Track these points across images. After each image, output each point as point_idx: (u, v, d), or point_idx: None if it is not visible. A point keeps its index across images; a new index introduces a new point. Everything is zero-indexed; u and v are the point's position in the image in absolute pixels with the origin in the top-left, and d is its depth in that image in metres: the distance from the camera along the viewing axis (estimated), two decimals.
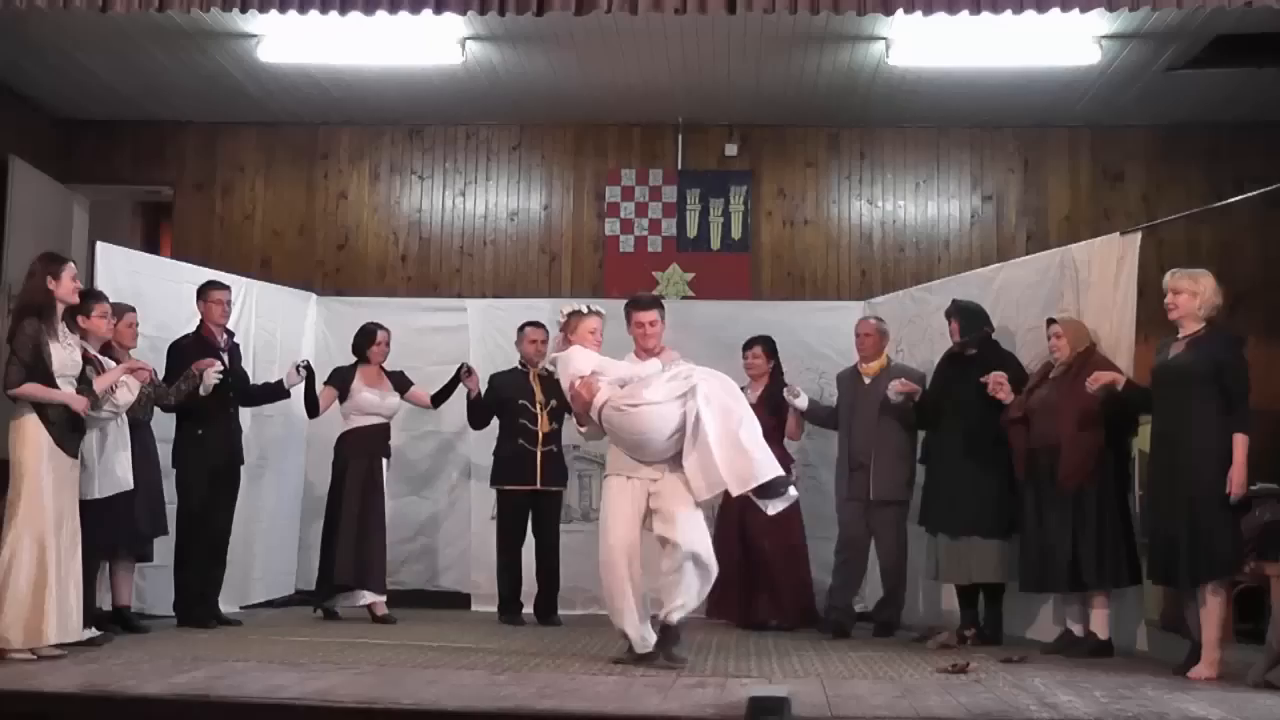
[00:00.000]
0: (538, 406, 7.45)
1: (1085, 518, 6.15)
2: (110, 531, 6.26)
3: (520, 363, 7.63)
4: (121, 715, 4.67)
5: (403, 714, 4.62)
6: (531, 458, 7.40)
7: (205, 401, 6.86)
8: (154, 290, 7.35)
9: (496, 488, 7.58)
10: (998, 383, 6.54)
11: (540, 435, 7.41)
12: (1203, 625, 5.54)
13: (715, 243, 9.46)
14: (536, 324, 7.65)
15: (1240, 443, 5.52)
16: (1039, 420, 6.35)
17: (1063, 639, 6.39)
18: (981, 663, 5.81)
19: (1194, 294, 5.71)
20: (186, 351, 6.98)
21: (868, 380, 7.31)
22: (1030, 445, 6.39)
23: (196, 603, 6.89)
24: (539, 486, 7.42)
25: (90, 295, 6.29)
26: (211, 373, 6.84)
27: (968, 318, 6.87)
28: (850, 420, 7.29)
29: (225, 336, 7.23)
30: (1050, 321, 6.50)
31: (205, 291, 7.17)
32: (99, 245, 7.38)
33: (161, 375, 6.88)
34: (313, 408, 7.57)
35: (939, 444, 6.89)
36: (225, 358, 7.07)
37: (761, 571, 7.29)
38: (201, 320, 7.14)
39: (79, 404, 5.75)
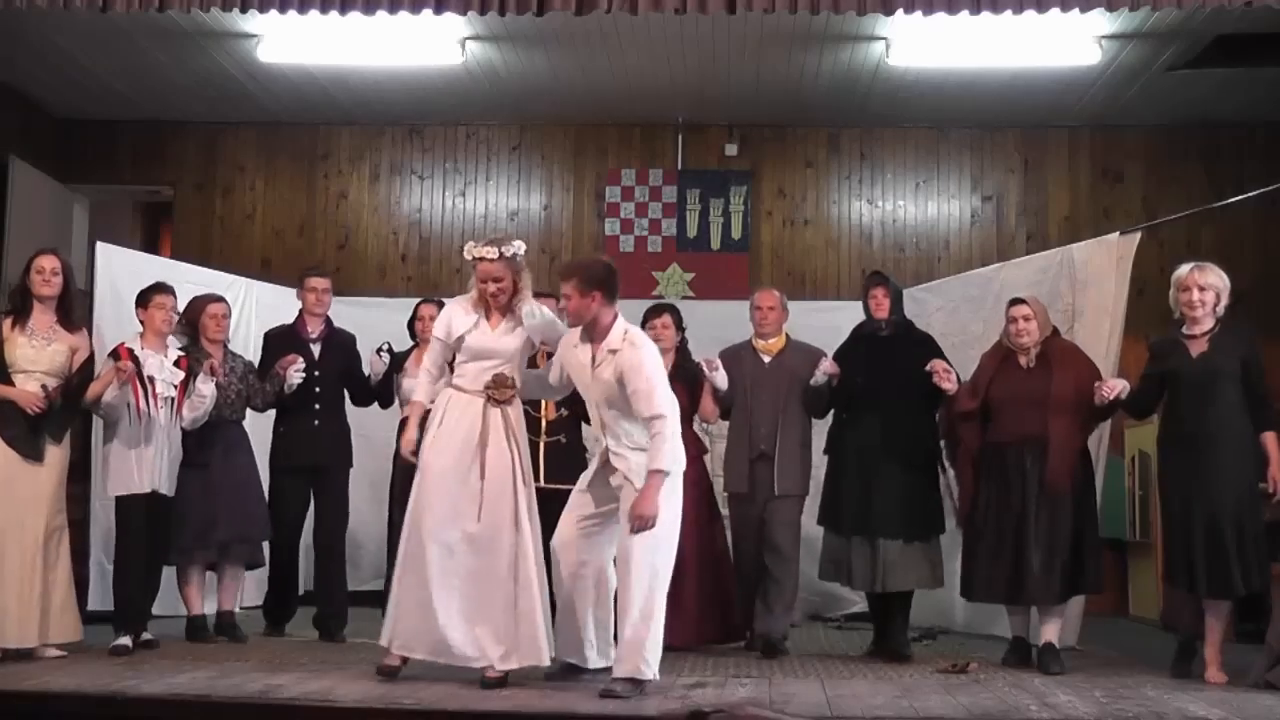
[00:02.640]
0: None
1: (1071, 523, 5.76)
2: (191, 534, 6.23)
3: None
4: (121, 715, 4.67)
5: (403, 714, 4.62)
6: (534, 450, 6.28)
7: (285, 399, 6.60)
8: None
9: None
10: (945, 370, 5.99)
11: (544, 423, 6.51)
12: (1211, 627, 5.49)
13: (715, 243, 9.46)
14: (549, 294, 6.80)
15: (1273, 440, 5.49)
16: (1008, 413, 5.84)
17: (1045, 649, 5.79)
18: (981, 663, 5.82)
19: (1220, 291, 5.60)
20: (275, 344, 6.77)
21: (767, 359, 6.43)
22: (994, 440, 5.88)
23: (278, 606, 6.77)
24: (542, 484, 6.17)
25: (154, 288, 6.18)
26: (293, 371, 6.50)
27: (896, 293, 6.36)
28: (749, 404, 6.39)
29: (322, 326, 6.85)
30: (1017, 301, 6.01)
31: (301, 280, 6.96)
32: (99, 245, 7.37)
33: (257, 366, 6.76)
34: (387, 397, 6.91)
35: (853, 435, 6.20)
36: (316, 349, 6.72)
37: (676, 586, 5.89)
38: (300, 310, 6.92)
39: (26, 400, 5.61)
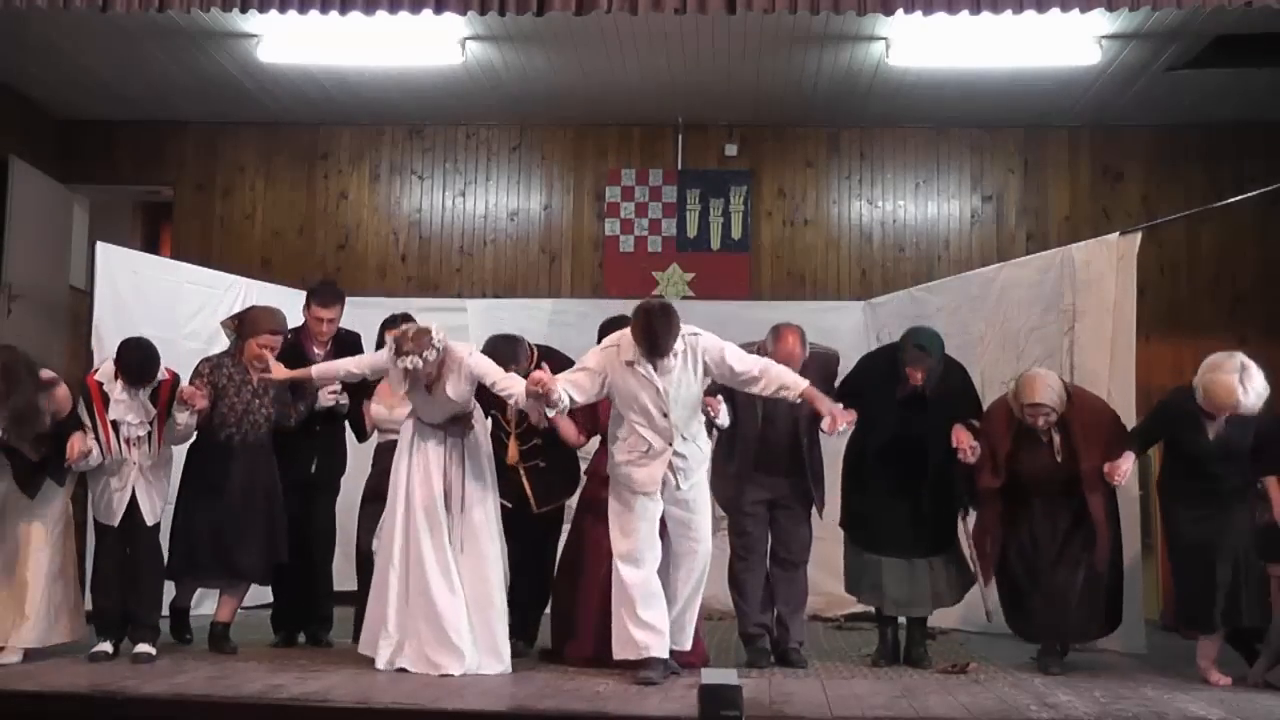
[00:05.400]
0: (509, 422, 6.06)
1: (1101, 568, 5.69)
2: (199, 560, 5.93)
3: None
4: (121, 715, 4.68)
5: (403, 714, 4.62)
6: (517, 476, 6.02)
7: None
8: (154, 290, 7.33)
9: None
10: (972, 447, 5.68)
11: (519, 452, 6.04)
12: (1206, 643, 5.54)
13: (715, 243, 9.46)
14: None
15: (1275, 485, 5.50)
16: (1035, 490, 5.74)
17: (1045, 652, 5.85)
18: (981, 663, 5.82)
19: (1260, 394, 5.39)
20: (278, 357, 6.22)
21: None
22: (1018, 503, 5.78)
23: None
24: (535, 510, 6.04)
25: (133, 359, 5.77)
26: (326, 394, 6.16)
27: (937, 362, 5.85)
28: (762, 430, 5.97)
29: (327, 348, 6.40)
30: (1036, 405, 5.63)
31: (307, 300, 6.53)
32: (99, 245, 7.36)
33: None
34: (358, 429, 6.65)
35: (877, 470, 5.94)
36: (320, 357, 6.30)
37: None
38: (305, 325, 6.48)
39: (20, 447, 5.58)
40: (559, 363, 5.88)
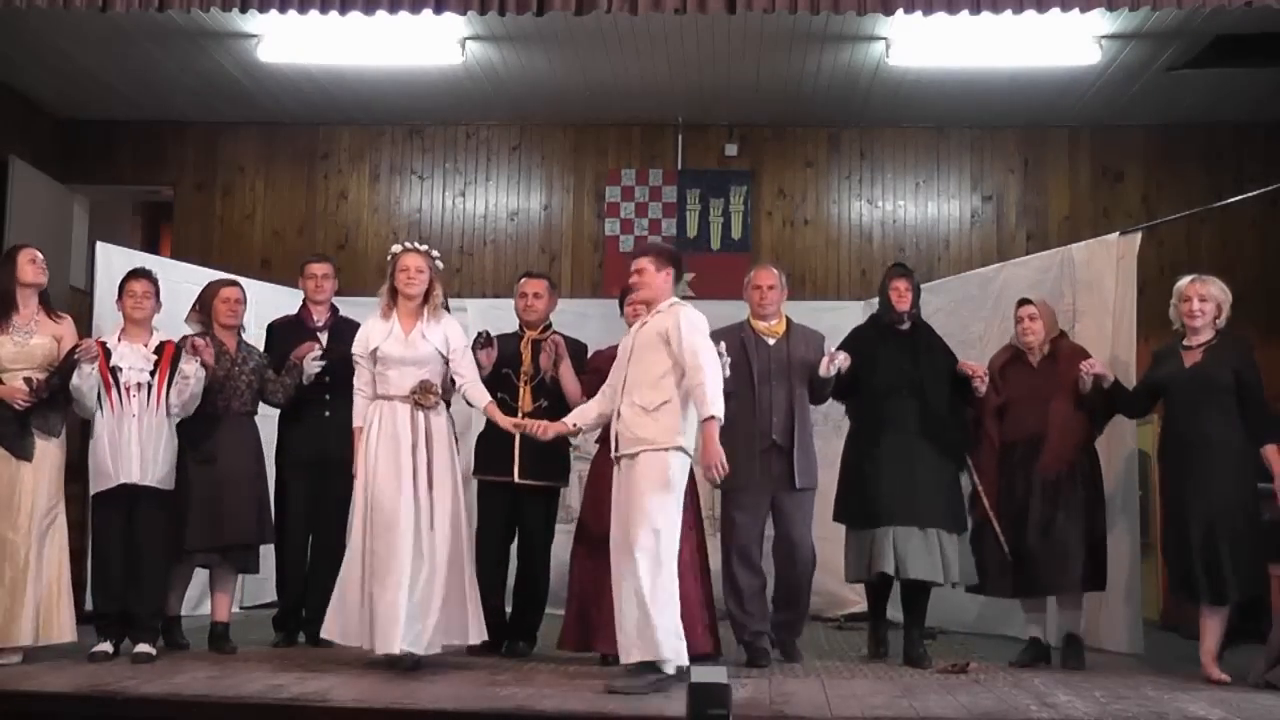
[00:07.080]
0: (521, 378, 6.13)
1: (1075, 515, 5.83)
2: (192, 534, 5.90)
3: (519, 326, 6.36)
4: (121, 715, 4.68)
5: (403, 714, 4.63)
6: (509, 443, 5.98)
7: (299, 390, 6.25)
8: None
9: (477, 478, 6.25)
10: (984, 375, 6.00)
11: (519, 414, 5.96)
12: (1208, 630, 5.51)
13: (715, 243, 9.46)
14: (534, 275, 6.51)
15: (1275, 453, 5.49)
16: (1017, 411, 5.98)
17: (1069, 640, 5.97)
18: (981, 663, 5.81)
19: (1221, 303, 5.67)
20: (279, 335, 6.48)
21: (772, 342, 6.08)
22: (1006, 439, 5.99)
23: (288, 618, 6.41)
24: (516, 479, 6.05)
25: (127, 275, 5.96)
26: (310, 360, 6.16)
27: (917, 287, 6.24)
28: (756, 391, 5.91)
29: (328, 315, 6.54)
30: (1024, 302, 6.15)
31: (302, 268, 6.69)
32: (99, 245, 7.36)
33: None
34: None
35: (889, 429, 5.96)
36: (324, 339, 6.36)
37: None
38: (303, 299, 6.62)
39: (10, 395, 5.55)
40: (578, 351, 6.20)
